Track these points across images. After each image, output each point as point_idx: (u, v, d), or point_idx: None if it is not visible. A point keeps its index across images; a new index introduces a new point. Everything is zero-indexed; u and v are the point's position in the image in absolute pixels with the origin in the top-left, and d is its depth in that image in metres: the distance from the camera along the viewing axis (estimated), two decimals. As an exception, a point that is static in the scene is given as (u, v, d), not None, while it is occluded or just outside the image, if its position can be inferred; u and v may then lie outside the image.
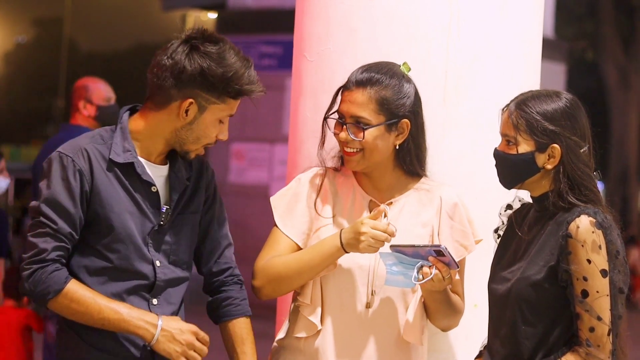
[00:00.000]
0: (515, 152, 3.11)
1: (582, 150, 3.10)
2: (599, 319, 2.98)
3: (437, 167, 3.47)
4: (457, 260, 3.22)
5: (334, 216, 3.35)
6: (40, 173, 3.11)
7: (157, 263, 3.13)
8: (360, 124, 3.26)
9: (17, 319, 6.88)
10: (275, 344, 3.44)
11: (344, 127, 3.29)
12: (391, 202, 3.34)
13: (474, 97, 3.61)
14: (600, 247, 2.99)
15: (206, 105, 3.10)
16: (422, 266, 3.13)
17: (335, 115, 3.33)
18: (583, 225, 3.01)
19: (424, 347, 3.38)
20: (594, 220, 3.01)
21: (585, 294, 2.99)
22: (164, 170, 3.18)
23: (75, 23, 37.05)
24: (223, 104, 3.12)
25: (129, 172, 3.11)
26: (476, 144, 3.59)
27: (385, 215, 3.23)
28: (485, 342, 3.28)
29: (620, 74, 25.51)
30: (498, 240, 3.31)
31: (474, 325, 3.48)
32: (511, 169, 3.14)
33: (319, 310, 3.30)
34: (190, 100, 3.07)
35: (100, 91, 6.23)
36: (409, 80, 3.32)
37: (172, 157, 3.19)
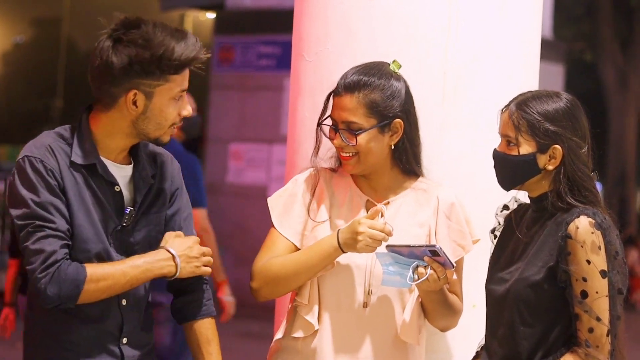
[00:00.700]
0: (516, 153, 3.11)
1: (582, 151, 3.10)
2: (598, 319, 2.98)
3: (436, 167, 3.47)
4: (454, 260, 3.22)
5: (330, 216, 3.35)
6: (11, 183, 3.03)
7: None
8: (352, 130, 3.26)
9: None
10: (273, 344, 3.44)
11: (337, 133, 3.29)
12: (388, 202, 3.34)
13: (472, 98, 3.61)
14: (599, 247, 2.99)
15: (152, 91, 3.04)
16: (417, 266, 3.13)
17: (329, 121, 3.33)
18: (582, 226, 3.01)
19: (421, 347, 3.38)
20: (593, 221, 3.01)
21: (584, 294, 2.99)
22: (128, 170, 3.15)
23: (73, 23, 37.04)
24: (169, 83, 3.05)
25: (91, 172, 3.07)
26: (475, 145, 3.59)
27: (382, 215, 3.23)
28: (482, 342, 3.28)
29: (618, 75, 25.52)
30: (495, 241, 3.30)
31: (472, 325, 3.47)
32: (512, 170, 3.13)
33: (316, 310, 3.30)
34: (134, 91, 3.03)
35: None
36: (399, 79, 3.31)
37: (135, 155, 3.17)
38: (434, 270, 3.13)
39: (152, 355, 3.23)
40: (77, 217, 3.04)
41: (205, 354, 3.22)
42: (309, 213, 3.35)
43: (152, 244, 3.17)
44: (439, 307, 3.29)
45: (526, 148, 3.10)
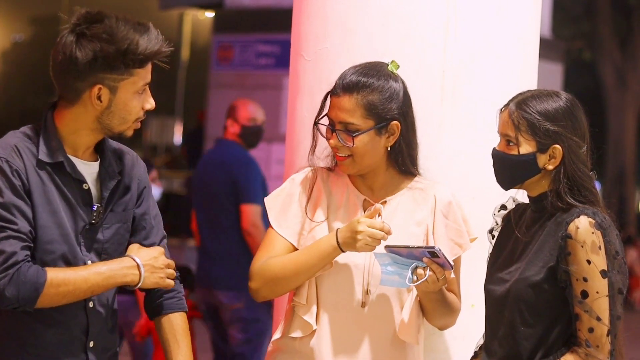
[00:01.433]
0: (516, 153, 3.10)
1: (581, 151, 3.09)
2: (599, 319, 2.98)
3: (434, 166, 3.46)
4: (452, 258, 3.22)
5: (328, 216, 3.35)
6: None
7: (89, 262, 3.07)
8: (349, 131, 3.26)
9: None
10: (271, 344, 3.43)
11: (334, 133, 3.28)
12: (385, 201, 3.34)
13: (471, 97, 3.61)
14: (599, 247, 2.99)
15: (116, 85, 3.02)
16: (416, 267, 3.13)
17: (326, 121, 3.32)
18: (582, 225, 3.00)
19: (420, 346, 3.38)
20: (593, 221, 3.01)
21: (584, 294, 2.99)
22: (94, 167, 3.12)
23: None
24: (133, 77, 3.03)
25: (59, 171, 3.05)
26: (473, 144, 3.59)
27: (379, 215, 3.23)
28: (481, 342, 3.28)
29: (617, 74, 25.51)
30: (493, 241, 3.30)
31: (471, 325, 3.47)
32: (511, 170, 3.13)
33: (314, 309, 3.29)
34: (98, 86, 3.01)
35: (246, 112, 6.94)
36: (397, 80, 3.30)
37: (101, 152, 3.14)
38: (433, 272, 3.12)
39: (116, 358, 3.21)
40: (42, 217, 3.00)
41: (181, 347, 3.18)
42: (306, 213, 3.35)
43: (122, 242, 3.16)
44: (437, 306, 3.29)
45: (526, 148, 3.10)
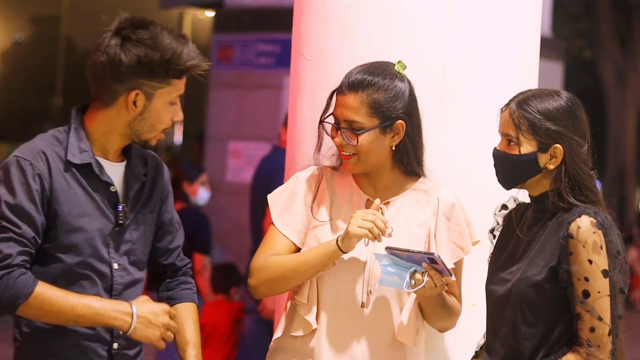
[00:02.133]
0: (517, 153, 3.10)
1: (582, 150, 3.09)
2: (600, 319, 2.98)
3: (435, 165, 3.46)
4: (453, 261, 3.22)
5: (331, 215, 3.35)
6: None
7: (115, 266, 3.09)
8: (354, 129, 3.25)
9: (230, 312, 7.31)
10: (272, 342, 3.43)
11: (339, 131, 3.28)
12: (388, 202, 3.34)
13: (471, 96, 3.60)
14: (601, 247, 2.99)
15: (153, 92, 3.05)
16: (415, 272, 3.13)
17: (331, 119, 3.32)
18: (584, 225, 3.00)
19: (420, 347, 3.37)
20: (595, 221, 3.00)
21: (586, 294, 2.98)
22: (121, 167, 3.14)
23: (72, 21, 37.02)
24: (169, 87, 3.06)
25: (86, 173, 3.06)
26: (474, 143, 3.58)
27: (382, 213, 3.23)
28: (482, 342, 3.28)
29: (617, 73, 25.52)
30: (494, 241, 3.30)
31: (472, 325, 3.47)
32: (513, 169, 3.13)
33: (314, 309, 3.30)
34: (136, 91, 3.03)
35: None
36: (403, 79, 3.31)
37: (127, 152, 3.16)
38: (431, 278, 3.12)
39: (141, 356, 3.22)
40: (67, 223, 3.02)
41: (191, 336, 3.21)
42: (312, 209, 3.35)
43: (147, 245, 3.18)
44: (437, 309, 3.29)
45: (527, 147, 3.09)
